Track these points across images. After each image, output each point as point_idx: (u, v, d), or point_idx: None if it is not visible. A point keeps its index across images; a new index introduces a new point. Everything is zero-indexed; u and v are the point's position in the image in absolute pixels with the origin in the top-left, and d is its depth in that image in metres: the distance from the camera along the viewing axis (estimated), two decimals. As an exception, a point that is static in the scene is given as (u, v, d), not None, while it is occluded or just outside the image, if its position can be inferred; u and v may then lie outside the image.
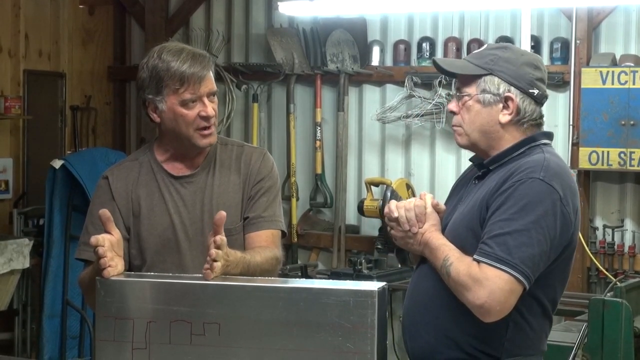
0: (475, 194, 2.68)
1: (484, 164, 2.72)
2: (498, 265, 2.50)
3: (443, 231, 2.69)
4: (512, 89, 2.66)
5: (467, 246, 2.60)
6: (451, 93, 6.20)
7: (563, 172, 2.63)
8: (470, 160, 2.84)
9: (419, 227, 2.68)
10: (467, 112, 2.70)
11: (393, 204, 2.73)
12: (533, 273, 2.53)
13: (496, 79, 2.67)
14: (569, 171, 2.69)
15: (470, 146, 2.75)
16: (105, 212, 2.68)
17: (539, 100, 2.70)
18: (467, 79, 2.72)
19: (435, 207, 2.73)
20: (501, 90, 2.66)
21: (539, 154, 2.64)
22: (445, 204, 2.82)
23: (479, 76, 2.69)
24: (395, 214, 2.70)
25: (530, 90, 2.67)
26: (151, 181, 2.98)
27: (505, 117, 2.67)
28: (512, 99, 2.66)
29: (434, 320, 2.66)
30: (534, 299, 2.62)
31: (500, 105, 2.67)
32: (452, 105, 2.75)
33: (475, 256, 2.55)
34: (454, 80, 2.95)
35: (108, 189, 2.99)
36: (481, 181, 2.71)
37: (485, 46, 2.79)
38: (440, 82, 6.42)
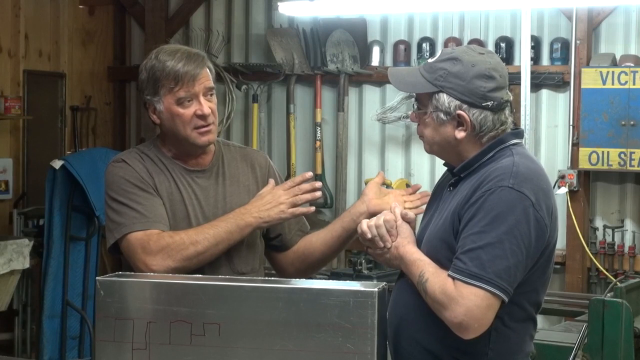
0: (448, 204, 2.62)
1: (454, 172, 2.67)
2: (472, 281, 2.44)
3: (420, 243, 2.64)
4: (464, 105, 2.57)
5: (442, 259, 2.54)
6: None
7: (534, 174, 2.55)
8: (444, 165, 2.77)
9: (391, 241, 2.64)
10: (425, 127, 2.64)
11: (364, 224, 2.67)
12: (510, 285, 2.46)
13: (447, 97, 2.58)
14: (541, 171, 2.60)
15: (437, 155, 2.71)
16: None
17: (498, 108, 2.60)
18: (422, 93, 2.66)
19: (404, 217, 2.67)
20: (452, 109, 2.58)
21: (508, 158, 2.57)
22: (426, 211, 2.78)
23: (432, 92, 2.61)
24: (369, 235, 2.65)
25: (484, 104, 2.57)
26: (163, 171, 2.94)
27: (460, 133, 2.59)
28: (464, 117, 2.58)
29: (415, 334, 2.61)
30: (515, 305, 2.55)
31: (455, 122, 2.59)
32: (413, 116, 2.70)
33: (449, 272, 2.49)
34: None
35: (131, 168, 2.91)
36: (455, 189, 2.65)
37: (438, 54, 2.67)
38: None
